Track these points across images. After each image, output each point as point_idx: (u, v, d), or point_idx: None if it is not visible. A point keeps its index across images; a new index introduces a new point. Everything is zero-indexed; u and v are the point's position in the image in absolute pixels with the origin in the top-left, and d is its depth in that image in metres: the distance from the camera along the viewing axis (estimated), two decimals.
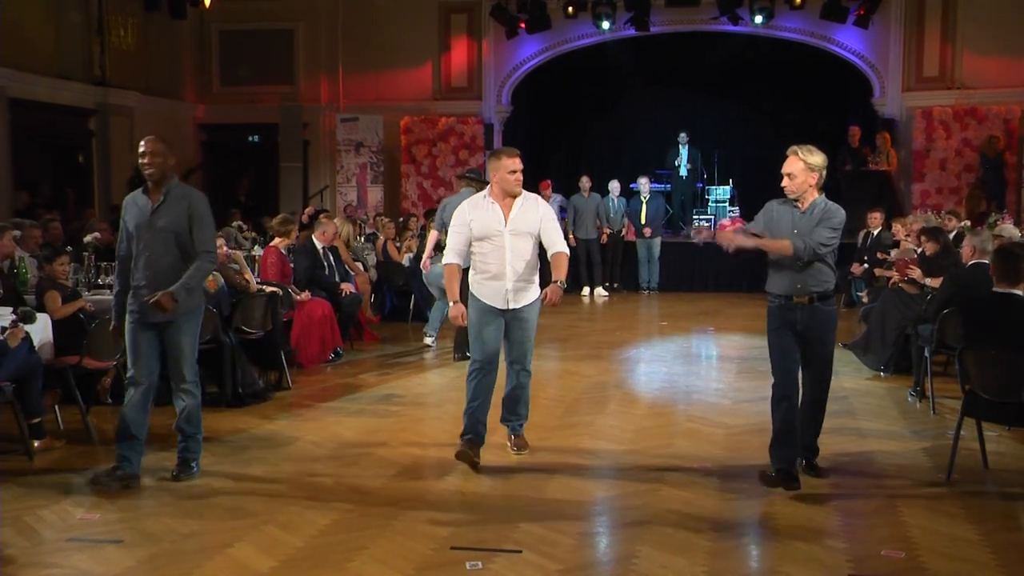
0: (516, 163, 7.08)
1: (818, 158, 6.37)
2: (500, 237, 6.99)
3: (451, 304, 7.08)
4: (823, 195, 6.49)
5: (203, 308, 6.94)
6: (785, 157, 6.43)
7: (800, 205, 6.45)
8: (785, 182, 6.44)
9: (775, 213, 6.61)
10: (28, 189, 16.00)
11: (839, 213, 6.40)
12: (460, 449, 6.99)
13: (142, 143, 6.61)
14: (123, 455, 6.62)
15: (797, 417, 6.56)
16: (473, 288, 7.13)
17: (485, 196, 7.17)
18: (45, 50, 17.06)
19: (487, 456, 7.23)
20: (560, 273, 7.05)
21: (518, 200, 7.10)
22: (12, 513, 6.06)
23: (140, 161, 6.58)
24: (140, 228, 6.54)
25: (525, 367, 7.23)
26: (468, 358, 7.33)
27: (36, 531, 5.85)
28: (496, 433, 7.36)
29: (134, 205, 6.66)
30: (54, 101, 16.90)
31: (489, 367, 7.08)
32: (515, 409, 7.36)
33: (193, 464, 6.85)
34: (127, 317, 6.66)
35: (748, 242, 6.48)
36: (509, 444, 7.41)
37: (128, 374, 6.78)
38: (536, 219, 7.09)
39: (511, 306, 7.02)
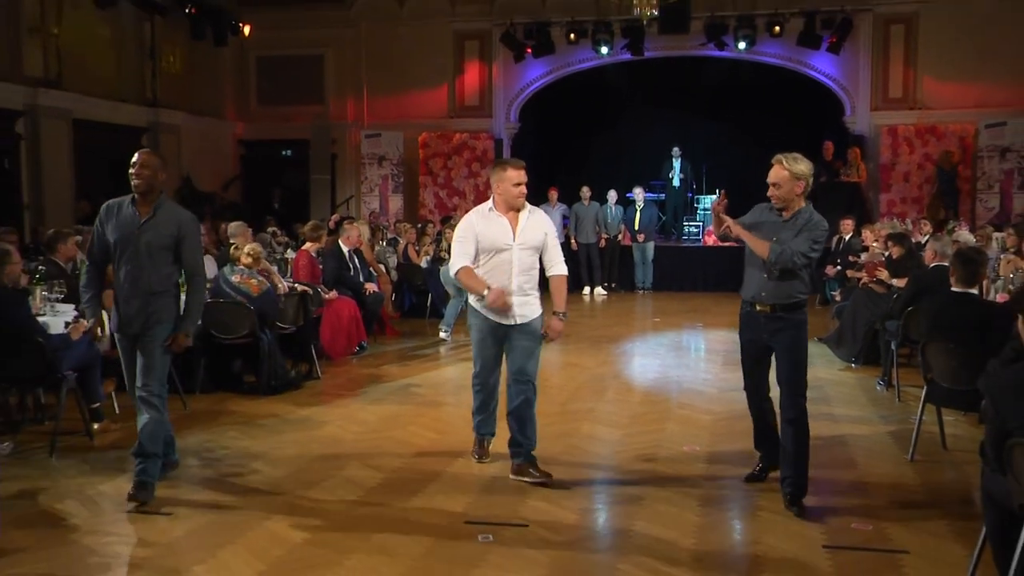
0: (520, 175, 6.36)
1: (803, 166, 5.77)
2: (509, 251, 6.28)
3: (486, 292, 6.22)
4: (809, 204, 5.88)
5: (173, 322, 6.11)
6: (770, 166, 5.85)
7: (785, 213, 5.83)
8: (771, 192, 5.83)
9: (760, 216, 6.05)
10: (88, 199, 16.03)
11: (823, 224, 5.80)
12: (477, 450, 6.80)
13: (136, 155, 6.06)
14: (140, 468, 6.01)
15: (771, 418, 6.15)
16: (476, 303, 6.41)
17: (490, 208, 6.41)
18: (105, 76, 17.11)
19: (496, 443, 7.24)
20: (560, 301, 6.43)
21: (523, 213, 6.39)
22: (76, 487, 6.16)
23: (130, 171, 6.00)
24: (125, 240, 5.96)
25: (532, 381, 6.41)
26: None
27: (96, 503, 5.92)
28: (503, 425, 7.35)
29: (117, 214, 6.06)
30: (111, 121, 16.91)
31: (491, 381, 6.61)
32: (523, 430, 6.40)
33: (150, 486, 5.90)
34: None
35: (735, 228, 5.86)
36: (510, 469, 6.45)
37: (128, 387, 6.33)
38: (542, 234, 6.42)
39: (518, 321, 6.30)
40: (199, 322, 6.49)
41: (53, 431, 7.14)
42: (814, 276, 6.20)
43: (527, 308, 6.33)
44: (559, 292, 6.44)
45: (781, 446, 5.91)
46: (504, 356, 6.47)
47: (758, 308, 5.85)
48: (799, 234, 5.72)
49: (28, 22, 15.16)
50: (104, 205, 6.17)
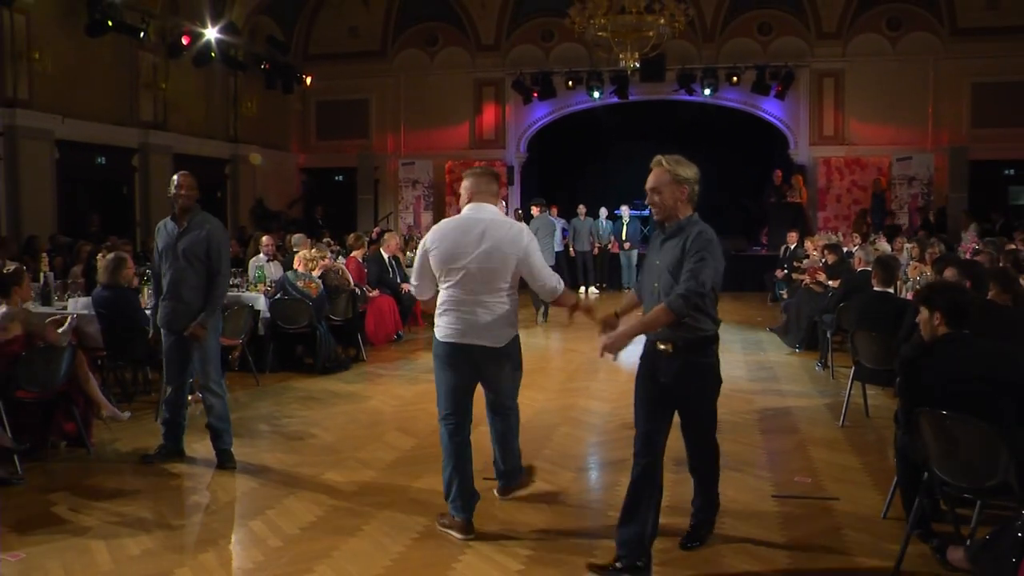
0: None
1: (688, 171, 4.08)
2: (468, 267, 4.47)
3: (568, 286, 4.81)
4: (696, 215, 4.12)
5: (220, 314, 5.94)
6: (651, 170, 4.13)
7: (667, 224, 4.08)
8: (650, 199, 4.09)
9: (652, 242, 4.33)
10: None
11: (709, 238, 4.00)
12: (449, 521, 4.64)
13: (178, 177, 5.75)
14: (166, 435, 5.96)
15: (652, 494, 4.11)
16: (438, 330, 4.59)
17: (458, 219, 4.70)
18: (198, 119, 17.29)
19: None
20: (569, 300, 4.81)
21: (488, 224, 4.54)
22: None
23: (177, 192, 5.70)
24: (167, 250, 5.76)
25: (511, 407, 4.83)
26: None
27: (192, 458, 5.99)
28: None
29: (164, 229, 5.83)
30: (200, 154, 17.03)
31: (462, 421, 4.65)
32: (506, 458, 4.96)
33: (231, 450, 5.82)
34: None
35: (625, 339, 3.93)
36: (497, 489, 5.10)
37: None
38: (517, 248, 4.51)
39: (487, 344, 4.51)
40: (218, 316, 5.88)
41: (158, 401, 7.20)
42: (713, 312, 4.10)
43: (498, 333, 4.55)
44: (565, 302, 4.84)
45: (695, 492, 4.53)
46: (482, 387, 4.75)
47: (659, 346, 4.07)
48: (692, 256, 3.92)
49: (143, 79, 15.59)
50: (159, 224, 5.94)
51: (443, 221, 4.75)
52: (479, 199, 4.69)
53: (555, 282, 4.69)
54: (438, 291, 4.63)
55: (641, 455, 4.12)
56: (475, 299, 4.49)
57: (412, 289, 4.85)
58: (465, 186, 4.76)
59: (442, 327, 4.57)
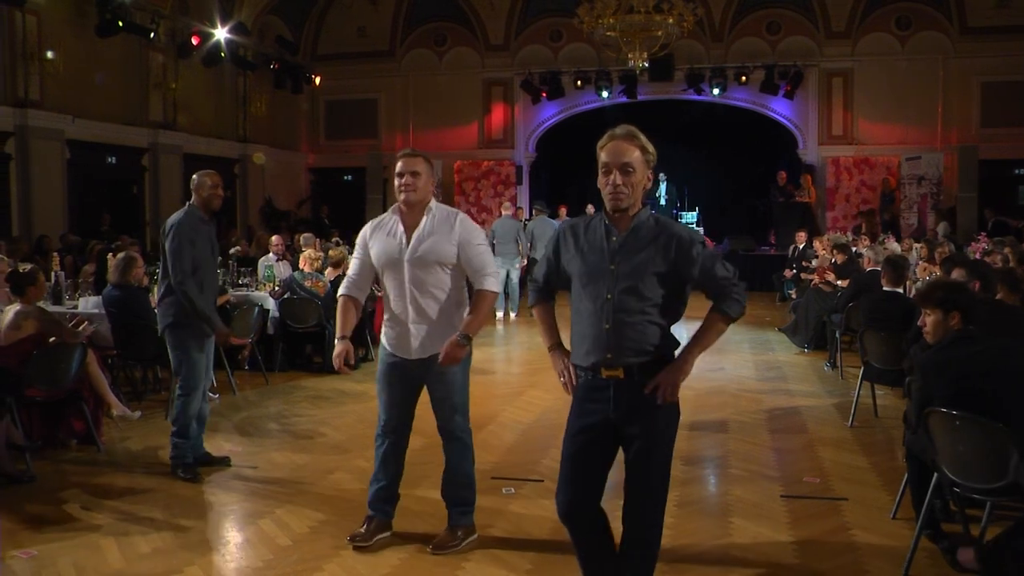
0: (404, 164, 4.22)
1: (653, 148, 3.25)
2: (399, 268, 4.13)
3: (336, 341, 4.21)
4: (648, 206, 3.33)
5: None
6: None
7: (629, 213, 3.21)
8: (615, 180, 3.20)
9: (562, 245, 3.36)
10: None
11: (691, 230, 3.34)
12: (357, 531, 4.38)
13: (212, 177, 5.60)
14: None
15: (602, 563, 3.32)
16: (382, 334, 4.32)
17: (393, 211, 4.28)
18: (207, 119, 17.39)
19: (513, 413, 7.16)
20: (472, 321, 4.11)
21: (425, 218, 4.16)
22: None
23: (213, 192, 5.54)
24: (214, 248, 5.65)
25: (455, 434, 4.30)
26: None
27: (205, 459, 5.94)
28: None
29: (201, 230, 5.53)
30: (209, 154, 17.09)
31: (397, 431, 4.34)
32: (453, 492, 4.39)
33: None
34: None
35: (690, 365, 3.18)
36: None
37: None
38: (451, 244, 4.12)
39: (421, 355, 4.14)
40: (209, 321, 5.44)
41: (168, 400, 7.22)
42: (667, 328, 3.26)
43: (437, 341, 4.11)
44: (475, 308, 4.16)
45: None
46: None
47: (605, 374, 3.17)
48: (671, 252, 3.15)
49: (153, 79, 15.67)
50: (188, 225, 5.56)
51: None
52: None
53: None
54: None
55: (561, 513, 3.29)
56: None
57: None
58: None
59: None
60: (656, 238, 3.18)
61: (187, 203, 5.59)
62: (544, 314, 3.53)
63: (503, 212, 13.68)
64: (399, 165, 4.22)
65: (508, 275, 13.21)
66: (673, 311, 3.22)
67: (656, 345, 3.16)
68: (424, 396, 4.37)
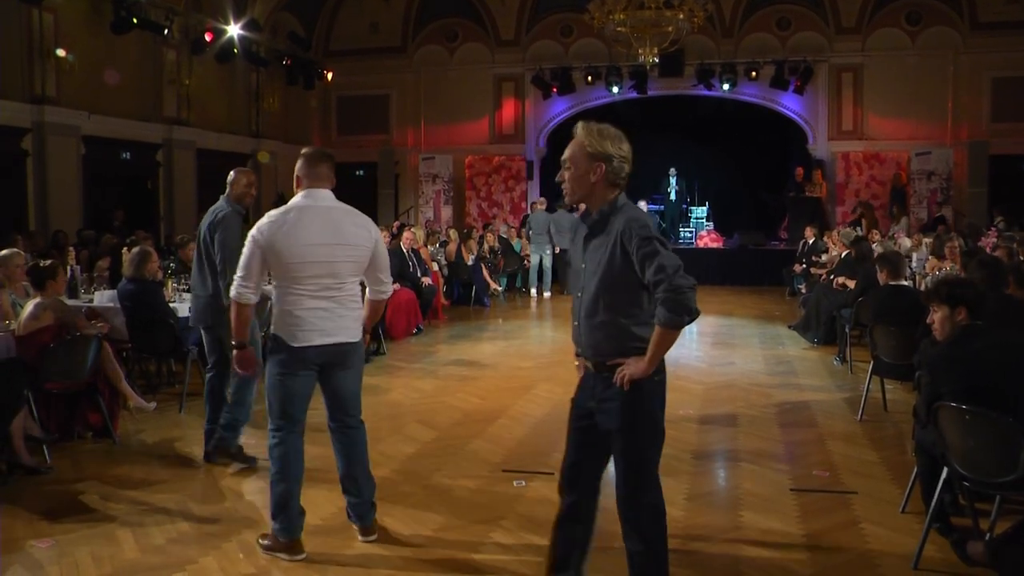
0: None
1: (612, 145, 3.18)
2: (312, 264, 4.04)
3: (235, 348, 4.21)
4: (623, 196, 3.23)
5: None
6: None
7: (592, 210, 3.25)
8: (560, 174, 3.31)
9: (577, 239, 3.38)
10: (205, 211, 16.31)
11: (651, 222, 3.17)
12: (270, 543, 4.21)
13: (252, 179, 5.72)
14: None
15: (578, 542, 3.47)
16: (275, 327, 4.11)
17: (289, 210, 4.21)
18: (220, 115, 17.46)
19: (524, 407, 7.15)
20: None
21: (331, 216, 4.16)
22: (199, 437, 6.01)
23: (247, 190, 5.70)
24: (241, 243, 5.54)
25: (357, 418, 4.35)
26: None
27: None
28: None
29: (239, 223, 5.62)
30: (222, 149, 17.17)
31: (295, 430, 4.26)
32: (355, 485, 4.34)
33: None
34: None
35: (647, 367, 3.09)
36: (357, 529, 4.40)
37: None
38: (366, 243, 4.17)
39: (325, 343, 4.07)
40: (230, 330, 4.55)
41: (181, 392, 7.29)
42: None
43: (343, 332, 4.15)
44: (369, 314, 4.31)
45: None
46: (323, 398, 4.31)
47: (589, 365, 3.31)
48: (616, 255, 3.10)
49: (167, 75, 15.75)
50: (234, 220, 5.67)
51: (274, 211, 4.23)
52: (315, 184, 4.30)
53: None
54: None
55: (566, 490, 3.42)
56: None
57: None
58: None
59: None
60: (611, 232, 3.15)
61: (222, 197, 5.72)
62: None
63: (537, 207, 15.19)
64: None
65: (541, 260, 14.89)
66: (636, 308, 3.14)
67: (615, 347, 3.17)
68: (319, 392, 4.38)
